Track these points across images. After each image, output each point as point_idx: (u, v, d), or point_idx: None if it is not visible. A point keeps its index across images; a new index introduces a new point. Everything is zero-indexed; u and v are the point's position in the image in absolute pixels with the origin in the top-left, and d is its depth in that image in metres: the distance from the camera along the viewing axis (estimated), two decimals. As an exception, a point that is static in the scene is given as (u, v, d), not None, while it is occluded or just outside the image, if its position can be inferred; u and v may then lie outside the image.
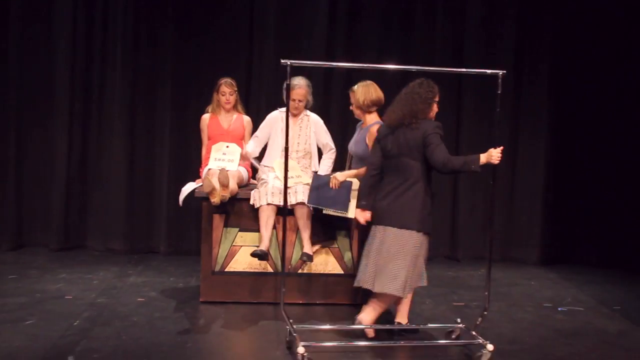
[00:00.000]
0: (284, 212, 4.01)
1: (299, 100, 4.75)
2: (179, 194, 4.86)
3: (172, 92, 6.04)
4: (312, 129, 4.84)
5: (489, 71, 3.93)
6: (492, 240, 4.10)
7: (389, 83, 4.95)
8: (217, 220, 4.67)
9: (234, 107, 5.05)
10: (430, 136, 3.82)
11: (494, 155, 3.79)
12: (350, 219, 4.43)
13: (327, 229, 4.61)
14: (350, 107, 4.47)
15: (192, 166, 5.76)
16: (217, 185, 4.48)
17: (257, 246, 4.56)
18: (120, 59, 5.94)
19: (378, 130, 4.07)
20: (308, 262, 4.58)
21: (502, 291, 5.18)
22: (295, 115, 4.81)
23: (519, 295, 5.11)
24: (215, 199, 4.48)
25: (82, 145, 6.01)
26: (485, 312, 4.00)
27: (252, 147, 4.85)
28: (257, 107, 5.95)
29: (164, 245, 6.07)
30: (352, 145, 4.53)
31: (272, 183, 4.62)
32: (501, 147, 3.81)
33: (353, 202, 4.35)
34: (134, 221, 6.06)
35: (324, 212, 4.44)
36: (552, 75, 6.14)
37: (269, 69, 5.99)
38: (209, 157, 4.89)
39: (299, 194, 4.56)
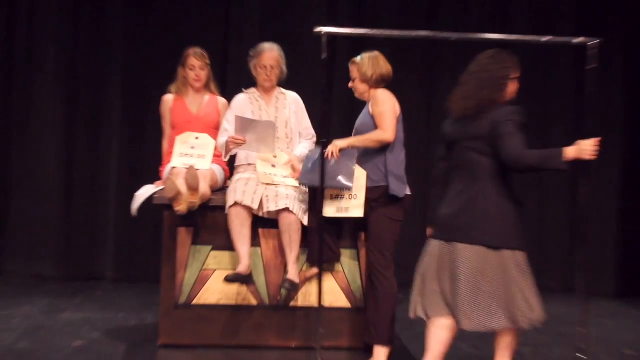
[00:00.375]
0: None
1: (271, 67, 4.80)
2: (131, 201, 4.87)
3: (124, 72, 6.10)
4: (292, 108, 4.90)
5: (576, 39, 3.96)
6: (584, 264, 4.11)
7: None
8: (183, 235, 4.66)
9: (206, 87, 5.04)
10: (503, 124, 3.78)
11: (586, 148, 3.72)
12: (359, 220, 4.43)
13: (327, 244, 4.62)
14: (351, 84, 4.52)
15: (149, 165, 5.78)
16: (183, 188, 4.50)
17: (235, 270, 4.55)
18: (54, 30, 6.08)
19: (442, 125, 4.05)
20: (293, 292, 4.59)
21: (566, 332, 5.15)
22: (267, 92, 4.87)
23: (590, 338, 5.03)
24: (180, 207, 4.47)
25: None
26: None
27: (222, 140, 4.82)
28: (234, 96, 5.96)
29: (111, 269, 6.16)
30: (358, 124, 4.50)
31: (242, 183, 4.61)
32: (596, 139, 3.73)
33: (361, 196, 4.35)
34: (71, 238, 6.11)
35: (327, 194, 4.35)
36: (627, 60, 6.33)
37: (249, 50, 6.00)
38: (172, 152, 4.88)
39: (282, 199, 4.53)
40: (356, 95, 4.53)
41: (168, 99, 5.02)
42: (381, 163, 4.37)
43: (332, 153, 4.34)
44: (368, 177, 4.39)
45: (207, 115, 4.96)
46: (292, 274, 4.51)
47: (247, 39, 6.02)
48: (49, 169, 6.07)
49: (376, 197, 4.36)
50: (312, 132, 4.97)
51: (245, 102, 4.86)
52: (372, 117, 4.37)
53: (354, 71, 4.49)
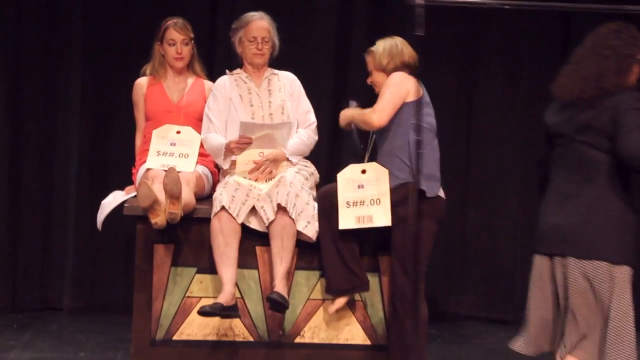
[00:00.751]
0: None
1: (262, 39, 4.89)
2: (95, 212, 4.93)
3: (84, 48, 6.12)
4: (288, 90, 4.99)
5: None
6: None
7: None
8: (161, 254, 4.70)
9: (189, 67, 5.10)
10: (626, 113, 3.78)
11: None
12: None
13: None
14: (369, 80, 4.73)
15: (117, 166, 5.87)
16: (161, 196, 4.52)
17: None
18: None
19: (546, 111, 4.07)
20: (281, 308, 4.54)
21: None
22: (258, 70, 4.98)
23: None
24: (157, 219, 4.51)
25: None
26: None
27: (216, 140, 4.85)
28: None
29: (70, 297, 6.13)
30: None
31: (230, 187, 4.65)
32: None
33: (385, 201, 4.44)
34: (18, 258, 6.12)
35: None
36: None
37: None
38: (147, 150, 4.93)
39: (276, 197, 4.56)
40: (377, 91, 4.65)
41: (141, 83, 5.07)
42: (405, 156, 4.49)
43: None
44: (391, 175, 4.50)
45: (191, 103, 5.00)
46: (280, 286, 4.52)
47: (239, 11, 6.04)
48: None
49: (401, 198, 4.44)
50: (312, 118, 5.04)
51: (230, 85, 4.94)
52: None
53: (369, 63, 4.69)
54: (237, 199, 4.58)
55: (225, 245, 4.55)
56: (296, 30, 5.98)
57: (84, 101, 6.14)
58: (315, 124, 5.03)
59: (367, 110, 4.56)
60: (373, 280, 4.73)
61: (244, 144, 4.74)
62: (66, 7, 6.13)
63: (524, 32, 6.20)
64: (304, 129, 4.99)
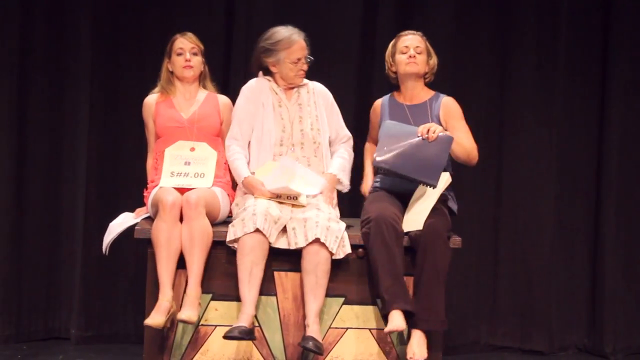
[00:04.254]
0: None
1: (305, 59, 4.99)
2: (103, 235, 4.97)
3: (93, 70, 6.10)
4: (321, 103, 5.03)
5: None
6: None
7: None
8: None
9: (199, 80, 5.13)
10: None
11: None
12: None
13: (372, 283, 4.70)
14: (411, 57, 5.00)
15: (127, 189, 5.87)
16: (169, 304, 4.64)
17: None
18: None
19: None
20: (317, 355, 4.62)
21: None
22: (291, 87, 5.01)
23: None
24: (154, 322, 4.60)
25: None
26: None
27: (241, 155, 4.91)
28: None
29: (77, 325, 6.09)
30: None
31: (262, 203, 4.69)
32: None
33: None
34: (23, 284, 6.11)
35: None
36: None
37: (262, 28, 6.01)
38: (157, 168, 4.99)
39: (311, 227, 4.61)
40: (409, 70, 5.00)
41: (150, 101, 5.10)
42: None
43: (429, 131, 4.68)
44: None
45: (204, 116, 5.02)
46: (315, 331, 4.57)
47: (257, 23, 5.99)
48: None
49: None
50: (347, 133, 5.13)
51: (263, 89, 4.98)
52: (447, 128, 4.81)
53: (416, 39, 5.06)
54: (269, 217, 4.62)
55: (253, 265, 4.60)
56: (318, 24, 6.01)
57: (93, 120, 6.11)
58: (351, 138, 5.12)
59: (469, 142, 4.95)
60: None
61: (263, 193, 4.79)
62: (74, 23, 6.09)
63: (560, 42, 6.20)
64: (342, 147, 5.08)
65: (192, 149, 4.93)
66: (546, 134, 6.19)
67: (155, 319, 4.53)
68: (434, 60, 5.10)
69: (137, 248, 4.84)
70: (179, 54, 5.04)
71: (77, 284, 6.08)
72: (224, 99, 5.13)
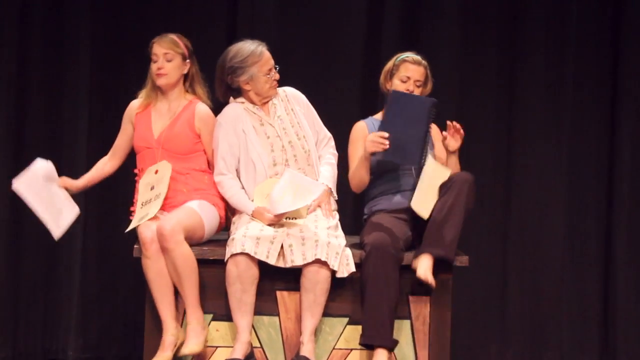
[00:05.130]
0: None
1: (275, 68, 4.92)
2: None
3: (92, 73, 6.14)
4: (298, 109, 5.01)
5: None
6: None
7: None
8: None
9: (185, 85, 4.99)
10: None
11: None
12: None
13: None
14: (409, 88, 4.93)
15: (125, 205, 5.76)
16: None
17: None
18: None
19: None
20: None
21: None
22: (266, 102, 4.97)
23: None
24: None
25: None
26: None
27: (236, 188, 4.86)
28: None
29: (75, 346, 6.10)
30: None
31: (255, 225, 4.67)
32: None
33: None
34: (19, 304, 6.11)
35: None
36: None
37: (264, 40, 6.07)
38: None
39: (310, 246, 4.57)
40: None
41: (132, 106, 5.02)
42: None
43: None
44: None
45: (172, 137, 4.86)
46: (309, 350, 4.57)
47: (260, 30, 6.04)
48: None
49: None
50: (327, 133, 5.07)
51: (241, 116, 4.89)
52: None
53: (420, 72, 4.97)
54: (263, 239, 4.58)
55: (242, 292, 4.58)
56: (322, 38, 6.03)
57: (90, 140, 6.12)
58: (332, 138, 5.07)
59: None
60: (404, 325, 4.73)
61: (274, 220, 4.73)
62: (73, 34, 6.12)
63: (569, 57, 6.18)
64: (326, 150, 5.04)
65: (156, 172, 4.85)
66: (555, 149, 6.19)
67: (163, 357, 4.56)
68: (429, 87, 5.04)
69: (136, 266, 4.77)
70: (154, 61, 4.92)
71: (74, 303, 6.08)
72: (200, 109, 4.95)
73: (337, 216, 4.90)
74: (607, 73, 6.20)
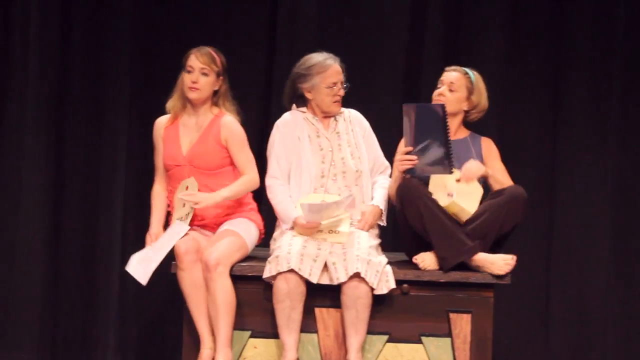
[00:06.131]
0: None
1: (341, 84, 4.97)
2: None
3: (132, 90, 6.21)
4: (358, 130, 5.03)
5: None
6: None
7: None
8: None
9: (212, 101, 5.00)
10: None
11: None
12: None
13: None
14: (440, 93, 5.00)
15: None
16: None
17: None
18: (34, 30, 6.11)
19: None
20: None
21: None
22: (328, 116, 4.99)
23: None
24: None
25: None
26: None
27: (284, 195, 4.92)
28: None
29: None
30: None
31: (298, 242, 4.69)
32: None
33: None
34: (59, 321, 6.15)
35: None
36: None
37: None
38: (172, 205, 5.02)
39: (351, 261, 4.58)
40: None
41: (160, 123, 5.04)
42: None
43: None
44: None
45: (200, 154, 4.90)
46: None
47: (301, 44, 6.04)
48: (30, 231, 6.05)
49: None
50: (384, 162, 5.13)
51: (299, 123, 4.97)
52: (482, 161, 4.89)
53: (457, 77, 5.02)
54: (306, 257, 4.60)
55: (291, 309, 4.60)
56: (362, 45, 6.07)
57: (130, 153, 6.17)
58: (389, 167, 5.09)
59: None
60: (444, 343, 4.73)
61: (311, 228, 4.76)
62: (113, 51, 6.20)
63: (615, 71, 6.17)
64: (382, 176, 5.07)
65: (187, 188, 4.88)
66: (601, 170, 6.14)
67: None
68: (477, 98, 5.04)
69: (175, 282, 4.80)
70: (189, 72, 4.93)
71: (113, 320, 6.12)
72: (225, 121, 4.95)
73: (378, 240, 4.93)
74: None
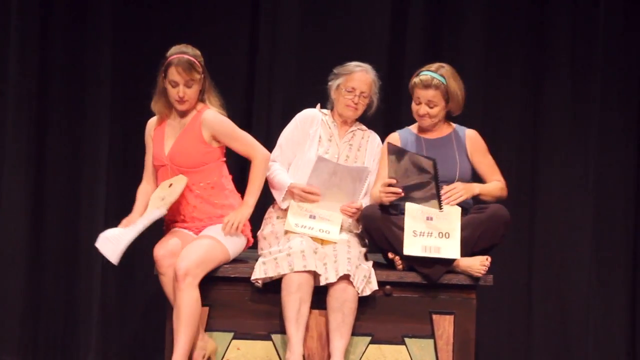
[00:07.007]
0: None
1: (361, 93, 5.00)
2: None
3: (113, 89, 6.21)
4: (370, 151, 5.06)
5: None
6: None
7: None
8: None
9: (201, 99, 4.97)
10: None
11: None
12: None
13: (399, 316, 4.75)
14: (425, 111, 4.97)
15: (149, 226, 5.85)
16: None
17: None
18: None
19: None
20: None
21: None
22: (346, 122, 5.01)
23: None
24: None
25: None
26: None
27: (282, 170, 4.99)
28: (266, 124, 6.07)
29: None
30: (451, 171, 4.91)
31: (296, 243, 4.70)
32: None
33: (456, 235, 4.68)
34: (41, 323, 6.13)
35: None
36: None
37: (286, 57, 6.12)
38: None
39: (342, 263, 4.62)
40: (425, 125, 4.97)
41: (150, 124, 5.05)
42: None
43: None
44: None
45: (179, 152, 4.86)
46: None
47: (283, 44, 6.10)
48: (11, 224, 6.04)
49: None
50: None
51: (315, 120, 5.05)
52: (471, 162, 4.96)
53: (436, 95, 4.95)
54: (308, 251, 4.65)
55: (302, 303, 4.63)
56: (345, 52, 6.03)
57: (111, 156, 6.17)
58: None
59: (497, 186, 5.03)
60: (427, 344, 4.75)
61: (309, 193, 4.81)
62: (94, 48, 6.17)
63: (596, 74, 6.21)
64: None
65: (170, 185, 4.84)
66: (582, 168, 6.17)
67: None
68: (454, 99, 5.02)
69: (157, 284, 4.81)
70: (173, 86, 4.85)
71: (95, 322, 6.10)
72: (205, 117, 4.88)
73: (366, 247, 4.98)
74: (635, 90, 6.22)
